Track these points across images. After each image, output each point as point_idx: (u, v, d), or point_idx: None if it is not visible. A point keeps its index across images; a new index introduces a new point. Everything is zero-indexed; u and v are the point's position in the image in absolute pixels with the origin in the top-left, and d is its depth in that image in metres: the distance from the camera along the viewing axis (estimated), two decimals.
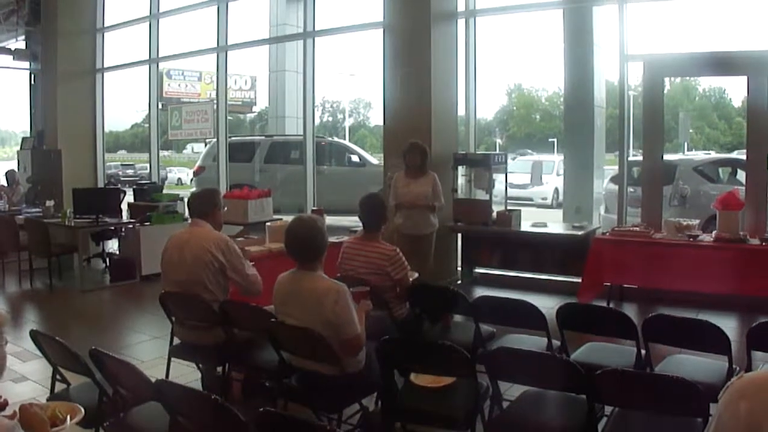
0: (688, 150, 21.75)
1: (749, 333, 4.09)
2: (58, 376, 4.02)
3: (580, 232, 8.45)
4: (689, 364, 4.21)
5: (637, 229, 7.92)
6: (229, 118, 13.34)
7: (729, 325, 6.61)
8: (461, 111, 9.81)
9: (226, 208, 5.38)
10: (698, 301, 7.36)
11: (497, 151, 18.29)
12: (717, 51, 8.44)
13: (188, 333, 4.94)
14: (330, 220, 7.51)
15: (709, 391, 2.91)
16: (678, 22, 35.03)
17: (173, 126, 14.18)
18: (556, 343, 4.54)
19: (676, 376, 3.23)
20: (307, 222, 4.18)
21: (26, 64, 15.01)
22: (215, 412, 2.98)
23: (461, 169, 9.12)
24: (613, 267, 7.76)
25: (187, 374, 5.31)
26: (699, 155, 17.04)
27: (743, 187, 8.22)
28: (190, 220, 5.26)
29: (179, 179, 32.66)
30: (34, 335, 3.98)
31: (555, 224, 9.31)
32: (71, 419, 2.59)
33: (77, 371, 3.77)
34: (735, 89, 41.46)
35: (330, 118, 50.87)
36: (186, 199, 6.16)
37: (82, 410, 2.65)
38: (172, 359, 5.06)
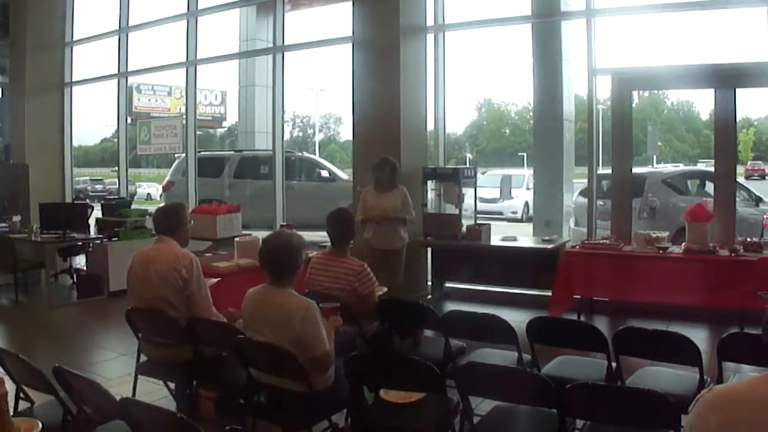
0: (656, 163, 21.99)
1: (720, 344, 4.10)
2: (21, 395, 3.94)
3: (549, 246, 8.45)
4: (660, 376, 4.20)
5: (607, 241, 7.94)
6: (199, 133, 13.26)
7: (699, 336, 6.66)
8: (431, 125, 9.80)
9: (192, 222, 5.31)
10: (669, 313, 7.39)
11: (467, 166, 18.36)
12: (684, 64, 8.52)
13: (155, 350, 4.86)
14: None
15: (680, 403, 2.90)
16: (646, 36, 35.55)
17: (142, 140, 14.07)
18: (526, 357, 4.52)
19: (646, 388, 3.22)
20: (282, 238, 4.14)
21: None
22: (181, 431, 2.92)
23: (431, 184, 9.10)
24: (583, 280, 7.76)
25: (154, 392, 5.22)
26: (668, 168, 17.25)
27: (712, 199, 8.29)
28: (156, 237, 5.16)
29: (149, 194, 32.43)
30: None
31: (525, 238, 9.33)
32: None
33: (41, 389, 3.71)
34: (703, 102, 42.13)
35: (300, 133, 50.97)
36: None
37: (40, 424, 2.66)
38: (139, 377, 4.99)
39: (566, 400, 3.29)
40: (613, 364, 4.25)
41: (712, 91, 7.93)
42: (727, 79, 7.75)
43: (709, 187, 10.21)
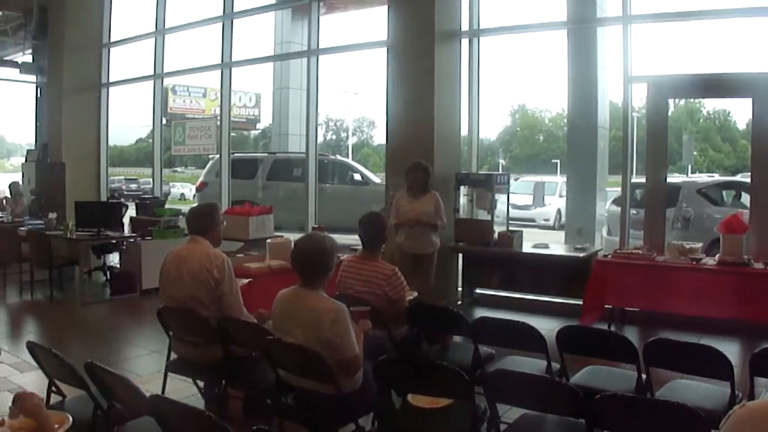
0: (691, 172, 21.77)
1: (752, 359, 4.04)
2: (53, 388, 3.99)
3: (581, 254, 8.40)
4: (691, 389, 4.16)
5: (640, 251, 7.86)
6: (232, 134, 13.37)
7: (732, 350, 6.55)
8: (464, 131, 9.79)
9: (225, 223, 5.34)
10: (701, 326, 7.30)
11: (500, 172, 18.33)
12: (722, 73, 8.39)
13: (186, 348, 4.90)
14: None
15: (711, 418, 2.87)
16: (683, 44, 35.15)
17: (176, 141, 14.20)
18: (555, 366, 4.49)
19: (677, 401, 3.17)
20: (315, 240, 4.14)
21: (32, 78, 15.05)
22: (209, 429, 2.94)
23: (463, 189, 9.11)
24: (614, 290, 7.69)
25: (184, 389, 5.29)
26: (703, 178, 17.02)
27: (747, 210, 8.17)
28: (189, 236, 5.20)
29: (182, 194, 32.73)
30: (31, 347, 3.97)
31: (557, 246, 9.26)
32: (59, 427, 2.78)
33: (73, 384, 3.76)
34: (740, 111, 41.54)
35: (333, 137, 51.05)
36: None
37: (71, 419, 2.70)
38: (169, 374, 5.05)
39: (595, 410, 3.27)
40: (643, 376, 4.21)
41: (749, 100, 7.82)
42: (765, 88, 7.63)
43: (745, 198, 10.05)
